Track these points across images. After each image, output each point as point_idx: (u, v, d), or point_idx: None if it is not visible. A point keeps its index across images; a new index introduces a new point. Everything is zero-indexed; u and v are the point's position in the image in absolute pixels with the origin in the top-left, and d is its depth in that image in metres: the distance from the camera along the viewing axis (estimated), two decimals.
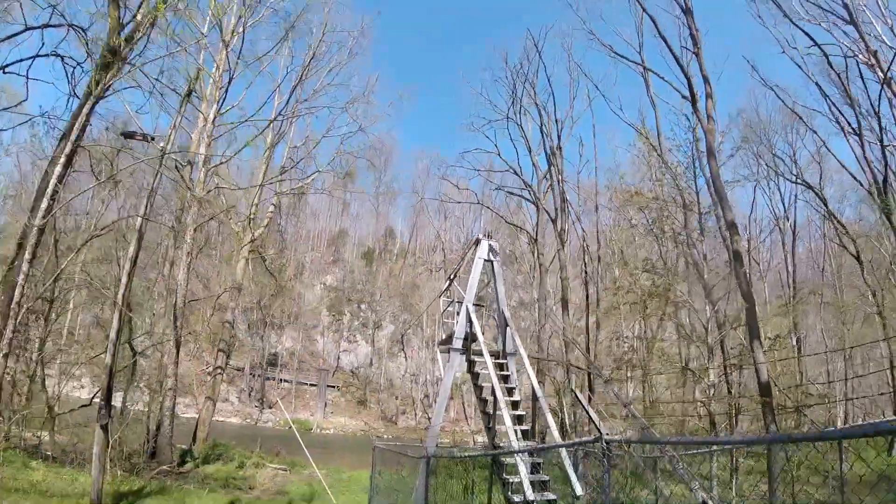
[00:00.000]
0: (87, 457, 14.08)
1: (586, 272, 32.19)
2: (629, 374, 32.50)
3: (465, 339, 13.95)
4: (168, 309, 23.97)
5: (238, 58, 26.07)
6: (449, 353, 13.97)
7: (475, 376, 14.14)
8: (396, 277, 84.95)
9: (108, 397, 10.04)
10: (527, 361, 13.34)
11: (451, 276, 17.12)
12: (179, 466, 23.15)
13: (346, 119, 34.43)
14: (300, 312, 76.60)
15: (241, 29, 26.19)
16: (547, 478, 11.24)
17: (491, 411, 12.87)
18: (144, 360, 26.55)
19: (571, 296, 33.33)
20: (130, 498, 11.74)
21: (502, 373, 13.30)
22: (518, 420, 12.28)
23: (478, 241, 14.78)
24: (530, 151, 35.25)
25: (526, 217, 51.57)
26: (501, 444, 12.49)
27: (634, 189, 26.53)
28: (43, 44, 14.76)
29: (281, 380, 69.54)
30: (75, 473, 13.41)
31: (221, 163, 26.48)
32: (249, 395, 65.25)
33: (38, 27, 15.00)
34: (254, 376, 66.64)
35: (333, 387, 71.87)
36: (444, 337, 15.81)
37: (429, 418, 68.86)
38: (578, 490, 9.53)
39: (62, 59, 15.21)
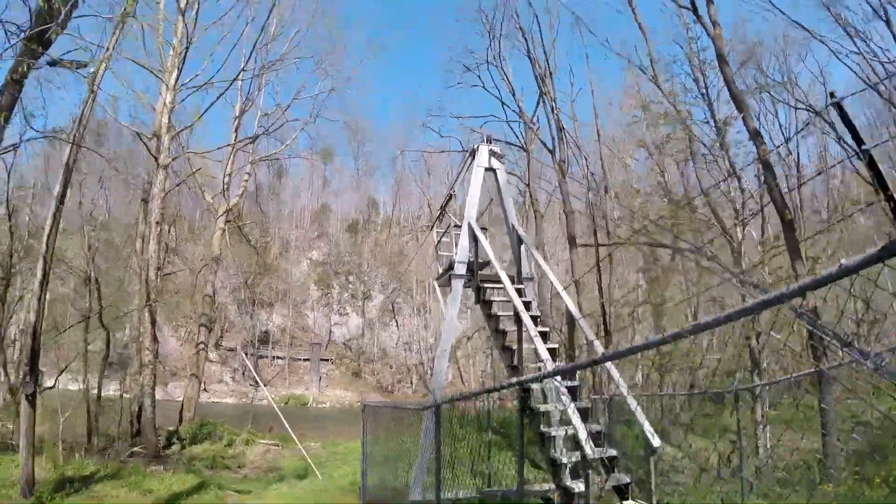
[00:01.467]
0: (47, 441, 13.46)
1: (591, 204, 29.84)
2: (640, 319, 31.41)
3: (470, 267, 12.08)
4: (142, 284, 23.15)
5: (195, 22, 25.20)
6: (450, 283, 12.14)
7: (486, 306, 11.81)
8: (383, 247, 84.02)
9: (32, 362, 9.10)
10: (555, 280, 11.35)
11: (444, 203, 15.33)
12: (165, 449, 22.54)
13: (316, 81, 33.66)
14: (288, 289, 75.85)
15: None
16: (601, 427, 8.56)
17: (514, 346, 10.50)
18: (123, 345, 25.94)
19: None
20: (76, 484, 10.93)
21: (523, 299, 11.04)
22: (552, 354, 9.66)
23: (474, 151, 12.92)
24: (514, 95, 33.25)
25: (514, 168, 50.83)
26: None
27: (641, 102, 24.03)
28: None
29: (274, 357, 69.06)
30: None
31: (185, 128, 25.77)
32: (243, 374, 64.73)
33: None
34: (246, 355, 66.03)
35: (327, 360, 71.42)
36: (441, 270, 13.87)
37: (425, 385, 69.16)
38: (656, 442, 7.46)
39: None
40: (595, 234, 29.07)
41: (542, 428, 8.26)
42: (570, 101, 36.91)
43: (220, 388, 62.24)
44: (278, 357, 69.07)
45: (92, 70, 10.24)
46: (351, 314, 78.32)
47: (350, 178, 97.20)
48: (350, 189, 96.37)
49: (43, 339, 22.68)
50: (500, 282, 10.81)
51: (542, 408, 8.51)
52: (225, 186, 29.65)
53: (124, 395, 23.77)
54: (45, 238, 9.20)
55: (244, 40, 28.79)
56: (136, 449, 19.10)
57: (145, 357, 22.58)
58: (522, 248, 12.26)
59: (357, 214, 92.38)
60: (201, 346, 28.37)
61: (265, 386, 64.00)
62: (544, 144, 30.16)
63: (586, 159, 30.17)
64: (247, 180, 31.95)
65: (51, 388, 18.65)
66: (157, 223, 23.57)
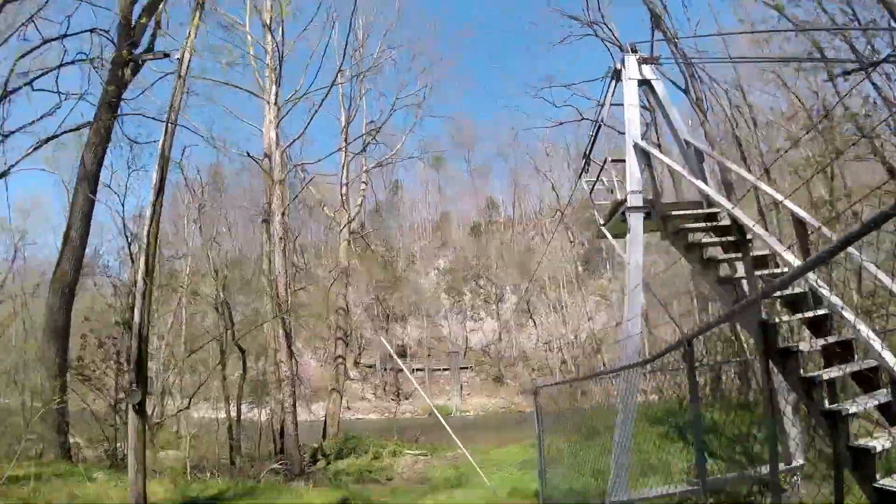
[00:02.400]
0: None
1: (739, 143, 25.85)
2: None
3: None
4: (272, 299, 22.67)
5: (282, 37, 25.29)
6: (626, 219, 9.63)
7: (680, 236, 9.05)
8: (508, 246, 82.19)
9: (138, 368, 7.98)
10: (771, 190, 8.64)
11: (587, 151, 13.26)
12: (309, 466, 21.79)
13: (416, 78, 33.29)
14: (420, 301, 75.46)
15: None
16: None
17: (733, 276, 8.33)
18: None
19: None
20: None
21: (720, 224, 8.79)
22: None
23: (617, 72, 10.66)
24: (621, 49, 30.08)
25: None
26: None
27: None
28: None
29: (413, 369, 68.49)
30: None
31: (294, 140, 25.61)
32: (384, 389, 64.70)
33: (58, 38, 14.80)
34: (386, 370, 66.09)
35: (466, 368, 70.36)
36: (603, 218, 11.44)
37: (570, 386, 65.73)
38: None
39: (91, 61, 14.94)
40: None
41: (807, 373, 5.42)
42: (692, 37, 33.40)
43: (363, 405, 62.34)
44: (417, 369, 68.42)
45: (177, 57, 9.37)
46: (485, 319, 76.94)
47: (464, 182, 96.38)
48: (466, 194, 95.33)
49: (174, 364, 22.64)
50: (689, 207, 8.97)
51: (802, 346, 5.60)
52: (343, 198, 29.35)
53: (267, 414, 23.23)
54: (146, 231, 8.09)
55: (335, 47, 29.15)
56: (275, 466, 18.20)
57: (283, 372, 21.95)
58: (704, 165, 9.85)
59: (477, 217, 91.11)
60: (340, 359, 27.91)
61: (406, 399, 63.96)
62: (675, 84, 26.56)
63: (726, 92, 26.62)
64: (364, 189, 31.53)
65: (185, 409, 17.96)
66: (281, 239, 23.13)
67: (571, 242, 71.87)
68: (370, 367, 67.08)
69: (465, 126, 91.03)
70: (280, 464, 19.42)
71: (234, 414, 21.74)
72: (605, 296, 74.70)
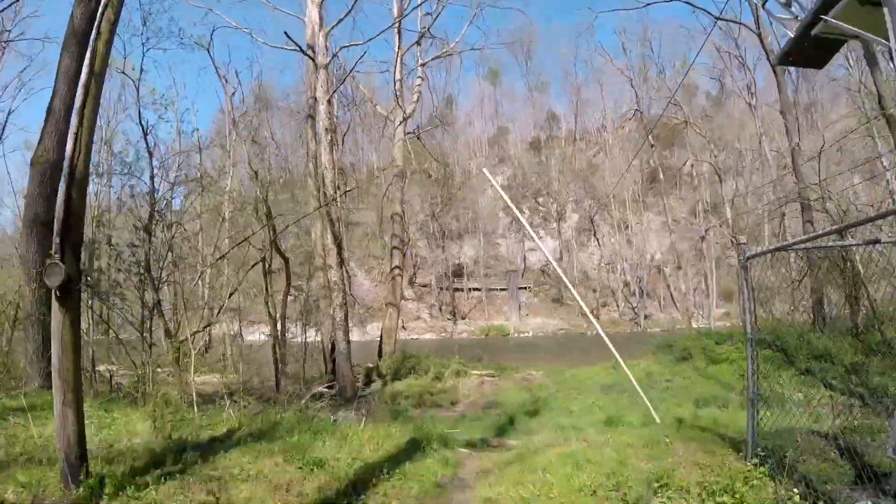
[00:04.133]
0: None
1: None
2: None
3: None
4: (317, 193, 19.98)
5: None
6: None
7: None
8: (570, 161, 78.37)
9: (65, 229, 5.05)
10: None
11: None
12: (366, 387, 19.40)
13: None
14: (476, 218, 72.65)
15: None
16: None
17: None
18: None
19: None
20: (189, 454, 6.79)
21: None
22: None
23: None
24: None
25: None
26: None
27: None
28: None
29: (470, 289, 66.34)
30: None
31: (338, 22, 22.46)
32: (441, 309, 62.59)
33: None
34: (442, 289, 63.85)
35: (524, 288, 68.01)
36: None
37: (633, 308, 64.34)
38: None
39: None
40: None
41: None
42: None
43: (419, 325, 60.45)
44: (475, 289, 66.32)
45: None
46: (545, 237, 73.77)
47: (522, 97, 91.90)
48: (524, 108, 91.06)
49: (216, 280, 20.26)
50: None
51: None
52: (397, 94, 26.31)
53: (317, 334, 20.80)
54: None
55: None
56: (321, 389, 15.49)
57: (332, 280, 19.29)
58: None
59: (537, 132, 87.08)
60: (397, 270, 25.15)
61: (462, 319, 61.90)
62: None
63: None
64: (419, 85, 28.22)
65: (207, 326, 15.28)
66: (327, 130, 20.25)
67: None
68: (426, 286, 64.95)
69: (526, 31, 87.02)
70: (327, 387, 16.95)
71: (279, 332, 19.31)
72: (673, 216, 71.73)
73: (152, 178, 14.72)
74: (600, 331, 7.66)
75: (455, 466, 7.53)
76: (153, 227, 13.91)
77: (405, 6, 27.10)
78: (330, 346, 19.80)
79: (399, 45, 26.95)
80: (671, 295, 65.62)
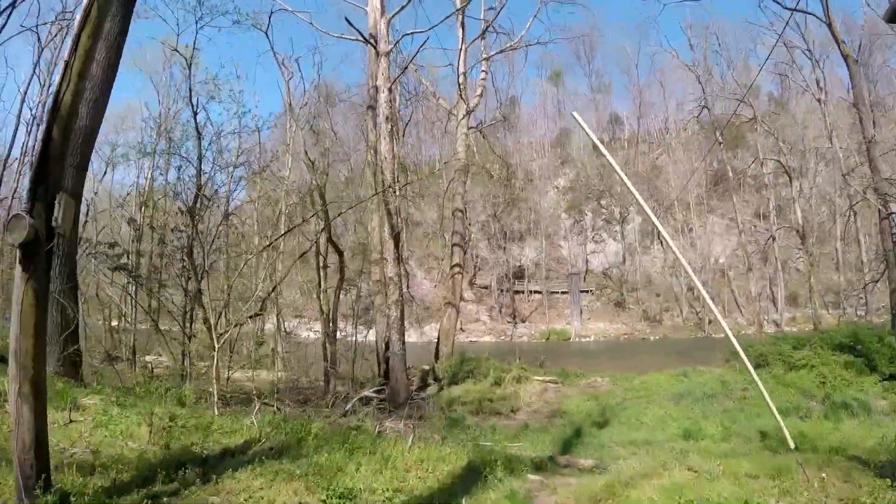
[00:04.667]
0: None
1: None
2: None
3: None
4: (376, 182, 18.90)
5: None
6: None
7: None
8: (633, 163, 76.27)
9: (42, 171, 3.82)
10: None
11: None
12: (420, 391, 18.19)
13: None
14: (538, 220, 71.05)
15: None
16: None
17: None
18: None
19: None
20: (189, 470, 5.39)
21: None
22: None
23: None
24: None
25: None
26: None
27: None
28: None
29: (531, 291, 64.76)
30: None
31: (403, 7, 21.53)
32: (500, 311, 61.14)
33: None
34: (502, 291, 62.38)
35: (586, 291, 66.08)
36: None
37: (697, 313, 62.01)
38: None
39: None
40: None
41: None
42: None
43: (477, 328, 59.09)
44: (535, 291, 64.80)
45: None
46: (607, 241, 72.24)
47: (584, 98, 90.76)
48: (586, 109, 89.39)
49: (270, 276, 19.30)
50: None
51: None
52: (462, 87, 25.13)
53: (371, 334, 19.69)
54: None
55: None
56: (367, 394, 13.96)
57: (388, 275, 18.10)
58: None
59: (600, 133, 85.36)
60: (457, 268, 23.77)
61: (523, 322, 60.41)
62: None
63: None
64: (483, 79, 27.07)
65: (250, 317, 14.17)
66: (388, 119, 19.25)
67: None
68: (485, 287, 63.61)
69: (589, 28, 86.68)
70: (378, 390, 15.59)
71: (330, 329, 18.26)
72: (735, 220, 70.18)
73: (199, 158, 13.81)
74: (727, 330, 6.03)
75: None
76: (198, 211, 13.03)
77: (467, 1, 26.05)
78: (384, 345, 18.67)
79: (463, 38, 25.89)
80: (735, 300, 63.31)
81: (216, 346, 9.42)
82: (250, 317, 13.75)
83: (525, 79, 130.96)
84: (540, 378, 19.99)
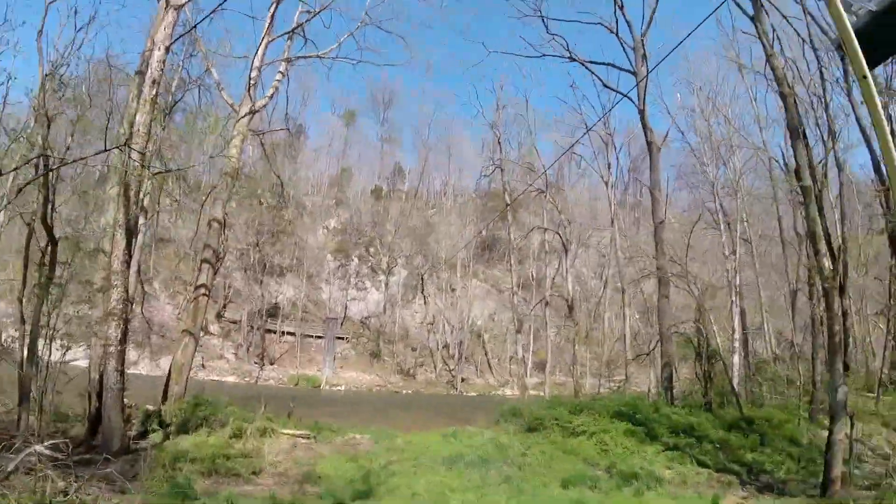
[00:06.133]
0: None
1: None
2: None
3: None
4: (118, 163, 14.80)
5: None
6: None
7: None
8: (407, 217, 76.00)
9: None
10: None
11: None
12: (138, 439, 14.25)
13: None
14: (303, 257, 67.70)
15: None
16: None
17: None
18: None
19: None
20: None
21: None
22: None
23: None
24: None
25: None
26: None
27: None
28: None
29: (284, 332, 60.68)
30: None
31: None
32: (248, 350, 56.25)
33: None
34: (252, 329, 57.65)
35: (342, 338, 63.54)
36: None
37: (451, 370, 62.13)
38: None
39: None
40: None
41: None
42: None
43: (221, 365, 53.58)
44: (288, 333, 60.84)
45: None
46: (370, 289, 71.10)
47: (374, 143, 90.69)
48: (373, 153, 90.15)
49: None
50: None
51: None
52: (252, 82, 21.88)
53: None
54: None
55: None
56: (40, 449, 9.60)
57: (114, 283, 14.03)
58: None
59: (381, 182, 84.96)
60: (202, 291, 19.16)
61: (272, 364, 56.28)
62: None
63: None
64: (279, 80, 23.68)
65: None
66: (155, 82, 15.24)
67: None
68: (235, 322, 58.28)
69: (387, 86, 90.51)
70: (87, 435, 11.50)
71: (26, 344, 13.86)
72: (497, 286, 72.54)
73: None
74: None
75: None
76: None
77: None
78: (98, 377, 14.36)
79: (269, 28, 22.70)
80: (488, 361, 65.40)
81: None
82: None
83: (317, 110, 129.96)
84: (289, 432, 16.70)
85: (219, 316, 57.37)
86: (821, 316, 24.49)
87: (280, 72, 23.78)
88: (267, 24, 22.59)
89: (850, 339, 23.95)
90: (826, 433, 18.16)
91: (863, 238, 24.43)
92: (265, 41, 22.44)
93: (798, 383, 23.78)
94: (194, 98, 28.36)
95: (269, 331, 59.31)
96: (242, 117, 21.07)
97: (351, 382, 56.83)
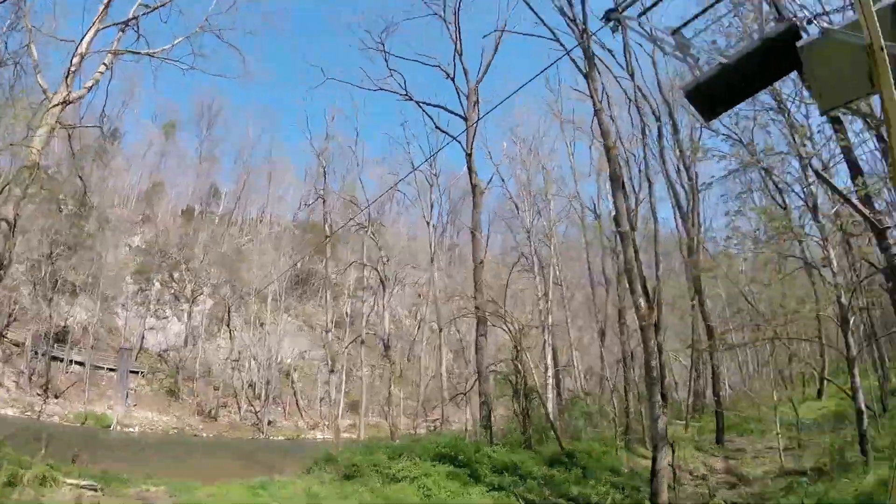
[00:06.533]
0: None
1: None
2: None
3: None
4: None
5: None
6: None
7: None
8: (219, 242, 71.89)
9: None
10: None
11: None
12: None
13: None
14: (100, 276, 60.15)
15: None
16: None
17: None
18: None
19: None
20: None
21: None
22: None
23: None
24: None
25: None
26: None
27: None
28: None
29: (72, 361, 53.56)
30: None
31: None
32: (30, 379, 48.95)
33: None
34: (37, 355, 50.40)
35: (137, 372, 57.73)
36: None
37: (256, 412, 58.24)
38: None
39: None
40: None
41: None
42: None
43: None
44: (77, 362, 53.70)
45: None
46: (171, 318, 65.81)
47: (192, 158, 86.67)
48: (189, 170, 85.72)
49: None
50: None
51: None
52: (72, 69, 19.42)
53: None
54: None
55: None
56: None
57: None
58: None
59: (194, 201, 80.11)
60: None
61: (57, 398, 49.68)
62: (576, 64, 22.28)
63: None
64: (102, 73, 20.98)
65: None
66: None
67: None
68: (18, 345, 50.70)
69: (215, 103, 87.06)
70: None
71: None
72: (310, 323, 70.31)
73: None
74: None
75: None
76: None
77: None
78: None
79: (105, 12, 20.57)
80: (297, 402, 63.73)
81: None
82: None
83: (138, 116, 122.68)
84: (73, 482, 13.81)
85: (1, 335, 50.20)
86: (631, 351, 28.55)
87: (105, 63, 21.24)
88: (101, 10, 20.35)
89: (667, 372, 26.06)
90: (644, 461, 21.00)
91: (663, 282, 27.04)
92: (95, 27, 20.23)
93: (612, 416, 25.94)
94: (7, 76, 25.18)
95: (55, 358, 51.92)
96: (54, 106, 18.34)
97: (146, 423, 51.66)
